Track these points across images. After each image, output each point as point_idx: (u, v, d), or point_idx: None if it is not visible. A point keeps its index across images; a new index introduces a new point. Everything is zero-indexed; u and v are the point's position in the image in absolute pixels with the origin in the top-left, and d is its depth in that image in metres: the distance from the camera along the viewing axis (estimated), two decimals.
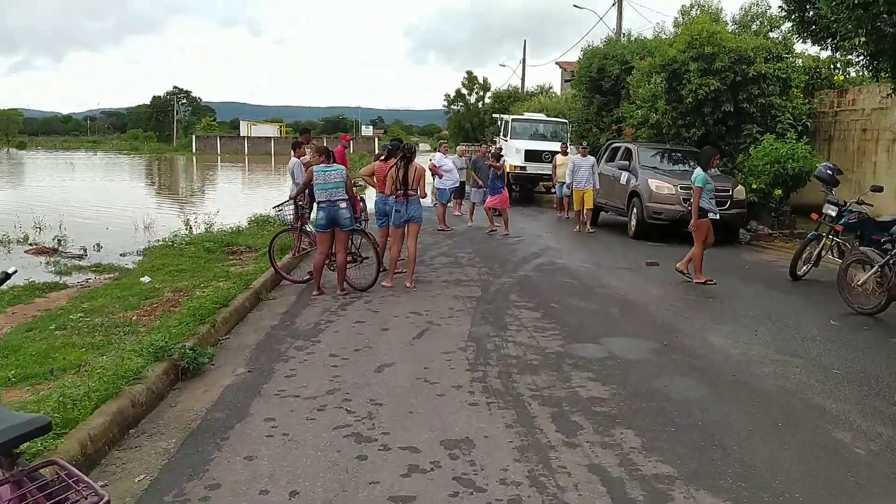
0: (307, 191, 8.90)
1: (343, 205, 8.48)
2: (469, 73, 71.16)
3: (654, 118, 17.00)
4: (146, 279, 9.95)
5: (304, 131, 13.29)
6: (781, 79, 16.32)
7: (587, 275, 10.23)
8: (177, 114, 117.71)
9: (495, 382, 5.29)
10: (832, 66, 18.13)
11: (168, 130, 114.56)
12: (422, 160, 12.67)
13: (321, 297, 8.53)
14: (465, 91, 71.32)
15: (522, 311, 7.67)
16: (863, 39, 9.51)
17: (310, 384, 5.28)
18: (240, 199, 27.03)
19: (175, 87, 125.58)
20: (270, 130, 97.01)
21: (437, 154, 16.36)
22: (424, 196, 9.24)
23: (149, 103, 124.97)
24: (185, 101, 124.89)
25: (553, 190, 21.17)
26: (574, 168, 15.19)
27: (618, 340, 6.57)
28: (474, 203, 16.77)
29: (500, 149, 20.62)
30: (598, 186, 15.32)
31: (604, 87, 21.96)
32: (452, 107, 72.15)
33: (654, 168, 15.12)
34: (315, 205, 8.70)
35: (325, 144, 11.26)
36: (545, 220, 18.09)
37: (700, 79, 16.15)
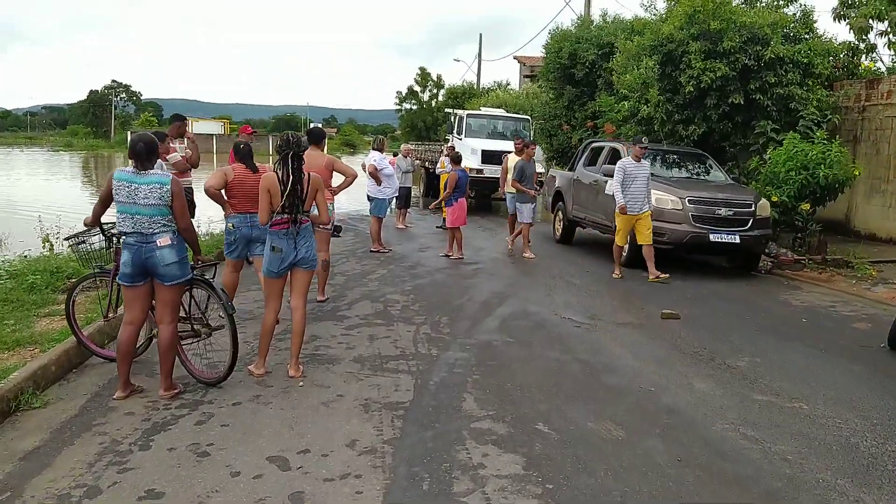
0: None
1: (164, 241, 4.75)
2: (422, 69, 67.85)
3: (645, 111, 13.56)
4: None
5: (176, 118, 9.49)
6: (802, 64, 13.07)
7: (581, 340, 6.68)
8: (115, 109, 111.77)
9: None
10: (852, 53, 14.97)
11: (106, 126, 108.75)
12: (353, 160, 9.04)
13: (129, 401, 4.82)
14: (417, 88, 68.05)
15: (488, 451, 4.04)
16: None
17: None
18: None
19: (113, 81, 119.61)
20: (213, 127, 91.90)
21: (374, 153, 12.57)
22: (326, 223, 5.61)
23: (86, 98, 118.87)
24: (123, 95, 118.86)
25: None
26: (626, 178, 9.97)
27: None
28: (528, 224, 11.96)
29: (453, 148, 17.09)
30: (653, 205, 10.26)
31: (576, 76, 18.53)
32: (405, 104, 68.85)
33: (651, 175, 11.67)
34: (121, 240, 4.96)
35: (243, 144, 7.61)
36: (507, 237, 14.52)
37: (703, 62, 12.81)
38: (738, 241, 10.38)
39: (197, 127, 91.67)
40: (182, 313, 5.18)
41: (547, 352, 6.20)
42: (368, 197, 12.27)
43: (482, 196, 20.79)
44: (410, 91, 68.25)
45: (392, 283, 9.19)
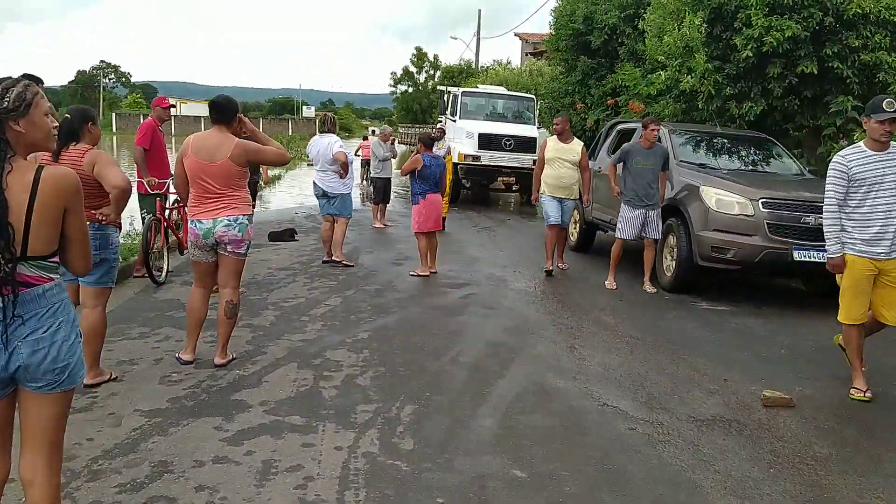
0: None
1: None
2: (418, 49, 65.05)
3: (688, 83, 10.56)
4: None
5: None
6: (891, 24, 10.08)
7: (649, 472, 3.75)
8: (103, 90, 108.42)
9: None
10: None
11: (94, 108, 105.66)
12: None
13: None
14: (413, 69, 65.30)
15: None
16: None
17: None
18: None
19: (102, 62, 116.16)
20: (203, 109, 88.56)
21: (331, 136, 9.25)
22: (81, 273, 2.57)
23: (74, 79, 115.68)
24: (112, 76, 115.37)
25: (525, 196, 14.70)
26: (853, 184, 4.84)
27: None
28: (655, 239, 8.22)
29: (442, 130, 14.16)
30: None
31: (592, 45, 15.46)
32: (399, 86, 66.10)
33: (703, 166, 8.73)
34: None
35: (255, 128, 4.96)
36: (509, 241, 11.60)
37: (766, 19, 9.81)
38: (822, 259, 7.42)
39: (185, 109, 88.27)
40: None
41: None
42: (327, 194, 9.14)
43: (479, 187, 17.82)
44: (406, 72, 65.49)
45: (341, 326, 6.24)
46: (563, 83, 17.01)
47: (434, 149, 12.97)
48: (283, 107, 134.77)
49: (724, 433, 4.21)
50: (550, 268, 8.78)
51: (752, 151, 9.36)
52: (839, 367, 5.56)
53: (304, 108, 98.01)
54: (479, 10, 42.46)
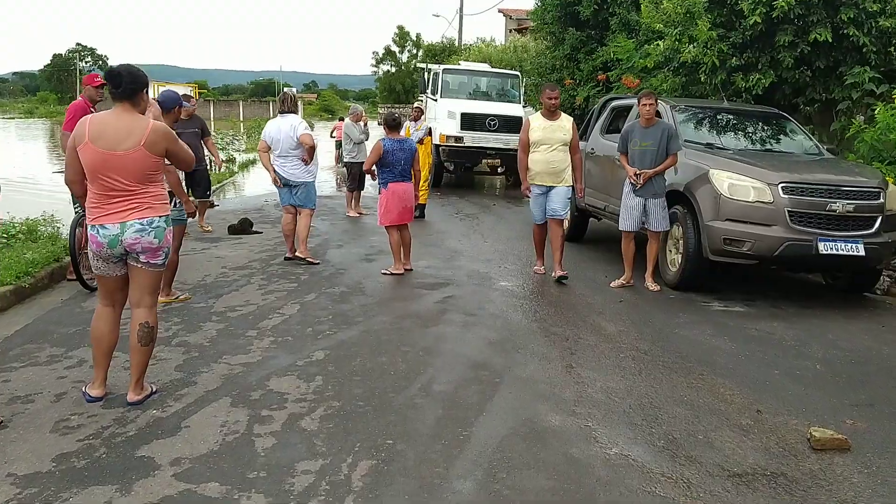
0: None
1: None
2: (400, 27, 63.65)
3: (690, 54, 9.56)
4: None
5: None
6: None
7: None
8: (80, 73, 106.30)
9: None
10: None
11: (71, 92, 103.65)
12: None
13: None
14: (395, 49, 64.01)
15: None
16: None
17: None
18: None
19: (78, 45, 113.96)
20: (181, 92, 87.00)
21: (293, 117, 8.16)
22: None
23: (50, 62, 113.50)
24: (89, 59, 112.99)
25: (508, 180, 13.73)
26: None
27: None
28: (661, 232, 7.18)
29: (420, 109, 13.12)
30: None
31: (581, 16, 14.39)
32: (382, 66, 64.80)
33: (710, 146, 7.74)
34: None
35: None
36: (494, 229, 10.61)
37: None
38: (862, 252, 6.49)
39: (163, 92, 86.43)
40: None
41: None
42: (289, 183, 8.06)
43: (464, 169, 16.80)
44: (388, 52, 64.16)
45: (294, 343, 5.24)
46: (550, 58, 15.97)
47: (412, 130, 11.99)
48: (265, 89, 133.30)
49: (770, 494, 3.26)
50: (542, 271, 7.71)
51: (762, 128, 8.38)
52: (888, 387, 4.64)
53: (286, 89, 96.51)
54: None
